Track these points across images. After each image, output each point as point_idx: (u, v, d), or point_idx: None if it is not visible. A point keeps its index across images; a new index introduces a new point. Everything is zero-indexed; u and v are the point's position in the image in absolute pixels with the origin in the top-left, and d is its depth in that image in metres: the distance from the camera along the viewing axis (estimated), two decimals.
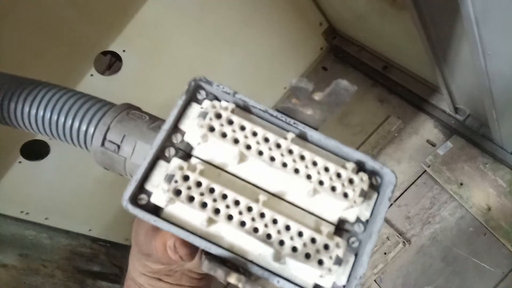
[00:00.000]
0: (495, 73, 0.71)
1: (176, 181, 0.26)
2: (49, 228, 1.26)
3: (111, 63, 1.33)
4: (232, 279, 0.25)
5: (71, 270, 1.24)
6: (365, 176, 0.27)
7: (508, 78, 0.69)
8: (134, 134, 0.33)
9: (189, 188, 0.26)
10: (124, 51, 1.09)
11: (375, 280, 1.10)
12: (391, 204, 1.16)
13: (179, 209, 0.27)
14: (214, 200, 0.26)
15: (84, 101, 0.36)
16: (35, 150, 1.06)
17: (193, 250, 0.28)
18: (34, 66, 0.95)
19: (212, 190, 0.26)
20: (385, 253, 1.11)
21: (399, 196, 1.16)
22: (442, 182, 1.08)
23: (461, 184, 1.05)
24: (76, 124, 0.35)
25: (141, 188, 0.27)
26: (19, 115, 0.36)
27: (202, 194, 0.26)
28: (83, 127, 0.35)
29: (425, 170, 1.13)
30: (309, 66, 1.54)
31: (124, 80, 1.11)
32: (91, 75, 1.06)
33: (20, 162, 1.04)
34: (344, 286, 0.26)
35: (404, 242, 1.08)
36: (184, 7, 1.12)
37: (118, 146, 0.33)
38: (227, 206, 0.26)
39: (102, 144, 0.33)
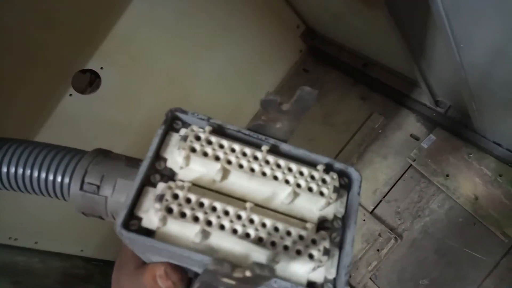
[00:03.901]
0: (470, 65, 0.72)
1: (167, 200, 0.27)
2: (40, 252, 1.24)
3: (91, 80, 1.32)
4: None
5: None
6: (335, 175, 0.30)
7: (483, 69, 0.70)
8: (113, 173, 0.34)
9: (180, 205, 0.27)
10: (102, 68, 1.08)
11: (370, 278, 1.10)
12: (381, 201, 1.17)
13: (171, 229, 0.27)
14: (205, 213, 0.27)
15: (56, 152, 0.36)
16: None
17: (184, 275, 0.28)
18: (10, 91, 0.94)
19: (201, 204, 0.27)
20: (378, 250, 1.11)
21: (388, 192, 1.16)
22: (428, 175, 1.09)
23: (447, 175, 1.06)
24: (51, 176, 0.35)
25: (131, 214, 0.27)
26: None
27: (193, 209, 0.27)
28: (58, 178, 0.35)
29: (411, 164, 1.14)
30: (290, 69, 1.55)
31: (104, 97, 1.10)
32: (70, 94, 1.05)
33: None
34: (334, 278, 0.28)
35: (396, 237, 1.09)
36: (159, 19, 1.12)
37: (98, 187, 0.34)
38: (218, 217, 0.27)
39: (81, 187, 0.33)
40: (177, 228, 0.27)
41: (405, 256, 1.08)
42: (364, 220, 1.17)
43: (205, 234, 0.27)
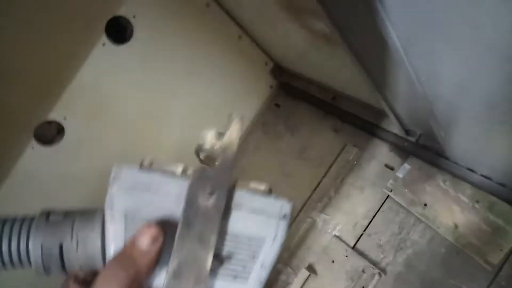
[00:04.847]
0: (434, 97, 0.72)
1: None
2: None
3: (60, 129, 1.28)
4: None
5: None
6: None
7: (448, 99, 0.70)
8: (71, 216, 0.34)
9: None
10: (65, 118, 1.04)
11: None
12: (361, 235, 1.14)
13: None
14: None
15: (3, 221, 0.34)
16: None
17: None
18: None
19: None
20: (363, 287, 1.07)
21: (368, 225, 1.14)
22: (406, 205, 1.07)
23: (425, 204, 1.05)
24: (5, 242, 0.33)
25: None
26: None
27: None
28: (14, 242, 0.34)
29: (388, 195, 1.12)
30: (262, 105, 1.54)
31: (68, 148, 1.06)
32: (32, 148, 1.01)
33: None
34: None
35: (379, 273, 1.05)
36: (122, 66, 1.10)
37: (65, 214, 0.34)
38: None
39: (47, 218, 0.34)
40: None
41: None
42: (346, 256, 1.13)
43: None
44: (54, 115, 1.02)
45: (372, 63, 0.80)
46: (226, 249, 0.33)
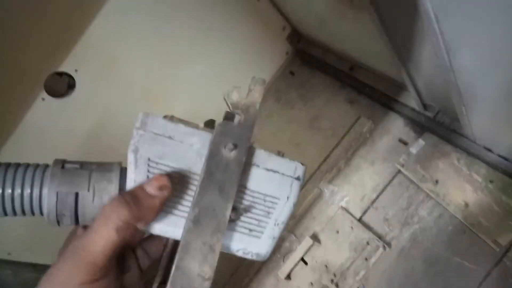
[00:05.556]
0: (460, 69, 0.69)
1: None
2: (13, 263, 1.18)
3: (70, 83, 1.26)
4: None
5: None
6: None
7: (475, 73, 0.67)
8: (87, 166, 0.34)
9: None
10: (76, 71, 1.03)
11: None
12: (369, 207, 1.14)
13: None
14: None
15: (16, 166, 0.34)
16: None
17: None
18: None
19: None
20: (366, 259, 1.07)
21: (376, 199, 1.13)
22: (417, 181, 1.06)
23: (437, 181, 1.03)
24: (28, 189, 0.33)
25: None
26: None
27: None
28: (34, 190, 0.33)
29: (399, 170, 1.10)
30: (276, 72, 1.51)
31: (78, 101, 1.05)
32: (43, 99, 1.00)
33: None
34: None
35: (384, 246, 1.05)
36: (136, 21, 1.07)
37: (81, 164, 0.34)
38: None
39: (62, 166, 0.33)
40: None
41: (393, 266, 1.04)
42: (351, 227, 1.13)
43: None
44: (65, 67, 1.01)
45: (397, 31, 0.77)
46: (243, 203, 0.34)
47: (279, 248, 1.23)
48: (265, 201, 0.34)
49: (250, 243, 0.34)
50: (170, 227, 0.33)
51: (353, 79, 1.26)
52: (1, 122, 0.95)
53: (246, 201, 0.34)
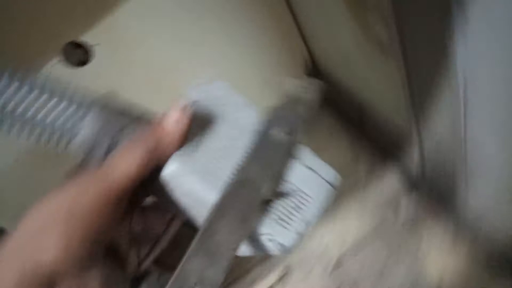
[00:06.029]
0: (474, 139, 0.67)
1: None
2: None
3: (82, 59, 1.24)
4: None
5: None
6: None
7: (489, 149, 0.65)
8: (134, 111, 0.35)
9: None
10: (94, 45, 1.00)
11: None
12: (343, 255, 1.11)
13: None
14: None
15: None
16: None
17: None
18: None
19: None
20: None
21: (352, 247, 1.10)
22: (398, 240, 1.04)
23: (418, 247, 1.01)
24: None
25: None
26: None
27: None
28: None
29: (383, 223, 1.08)
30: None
31: (91, 74, 1.02)
32: (59, 61, 0.96)
33: None
34: None
35: None
36: (167, 10, 1.04)
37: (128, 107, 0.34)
38: None
39: (112, 103, 0.33)
40: None
41: None
42: (325, 270, 1.10)
43: None
44: (86, 38, 0.98)
45: (420, 87, 0.75)
46: (279, 189, 0.34)
47: (250, 272, 1.19)
48: (299, 196, 0.35)
49: (277, 231, 0.34)
50: (201, 185, 0.32)
51: (359, 121, 1.25)
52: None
53: (282, 189, 0.34)
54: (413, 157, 1.09)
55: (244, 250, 0.36)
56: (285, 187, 0.34)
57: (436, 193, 1.03)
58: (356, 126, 1.28)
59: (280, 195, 0.34)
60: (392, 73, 0.79)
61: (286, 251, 0.35)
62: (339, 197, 1.19)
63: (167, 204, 0.38)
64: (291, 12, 1.24)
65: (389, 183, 1.15)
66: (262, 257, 1.19)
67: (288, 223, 0.34)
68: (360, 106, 1.27)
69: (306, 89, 0.35)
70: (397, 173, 1.16)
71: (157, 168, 0.32)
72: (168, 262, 0.37)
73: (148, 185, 0.33)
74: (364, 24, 0.86)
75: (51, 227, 0.27)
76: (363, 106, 1.26)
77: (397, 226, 1.05)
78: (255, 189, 0.31)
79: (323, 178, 0.36)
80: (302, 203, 0.34)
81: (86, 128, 0.31)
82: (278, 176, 0.34)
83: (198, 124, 0.33)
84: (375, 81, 1.06)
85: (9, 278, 0.25)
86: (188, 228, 0.40)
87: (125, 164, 0.29)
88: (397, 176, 1.15)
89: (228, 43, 1.21)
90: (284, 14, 1.24)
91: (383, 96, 1.09)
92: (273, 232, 0.34)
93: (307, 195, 0.35)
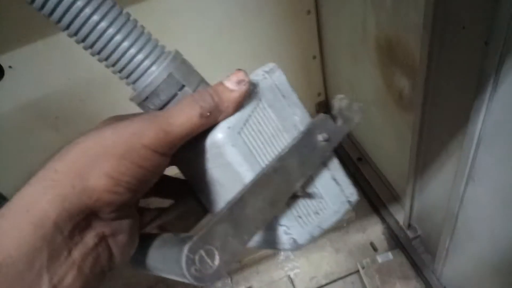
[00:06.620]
0: (470, 201, 0.70)
1: None
2: None
3: None
4: None
5: None
6: None
7: (483, 209, 0.68)
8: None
9: None
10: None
11: None
12: None
13: None
14: None
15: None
16: None
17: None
18: None
19: None
20: None
21: (324, 285, 1.11)
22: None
23: None
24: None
25: None
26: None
27: None
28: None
29: (358, 270, 1.09)
30: None
31: None
32: None
33: None
34: None
35: None
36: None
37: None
38: None
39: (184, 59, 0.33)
40: None
41: None
42: None
43: None
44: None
45: (430, 142, 0.79)
46: (307, 189, 0.35)
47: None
48: (320, 201, 0.36)
49: (294, 226, 0.35)
50: (243, 160, 0.33)
51: (357, 169, 1.28)
52: None
53: (308, 189, 0.36)
54: (400, 215, 1.12)
55: (257, 240, 0.37)
56: (310, 190, 0.36)
57: (415, 254, 1.05)
58: (351, 174, 1.31)
59: (306, 195, 0.35)
60: (404, 127, 0.83)
61: (297, 248, 0.36)
62: (316, 239, 1.20)
63: (190, 173, 0.39)
64: (320, 49, 1.29)
65: (369, 235, 1.17)
66: (228, 272, 1.18)
67: (305, 223, 0.36)
68: (361, 152, 1.31)
69: (354, 111, 0.37)
70: (380, 227, 1.18)
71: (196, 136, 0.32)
72: (171, 231, 0.37)
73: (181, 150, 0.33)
74: (390, 75, 0.91)
75: (104, 159, 0.27)
76: (364, 153, 1.30)
77: (369, 277, 1.06)
78: (289, 180, 0.33)
79: (344, 192, 0.37)
80: (322, 210, 0.36)
81: (157, 72, 0.31)
82: (309, 177, 0.35)
83: (253, 103, 0.34)
84: (383, 132, 1.10)
85: (56, 193, 0.25)
86: (197, 205, 0.41)
87: (185, 116, 0.30)
88: (380, 230, 1.17)
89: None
90: (312, 48, 1.29)
91: (388, 148, 1.13)
92: (291, 226, 0.35)
93: (328, 204, 0.37)
